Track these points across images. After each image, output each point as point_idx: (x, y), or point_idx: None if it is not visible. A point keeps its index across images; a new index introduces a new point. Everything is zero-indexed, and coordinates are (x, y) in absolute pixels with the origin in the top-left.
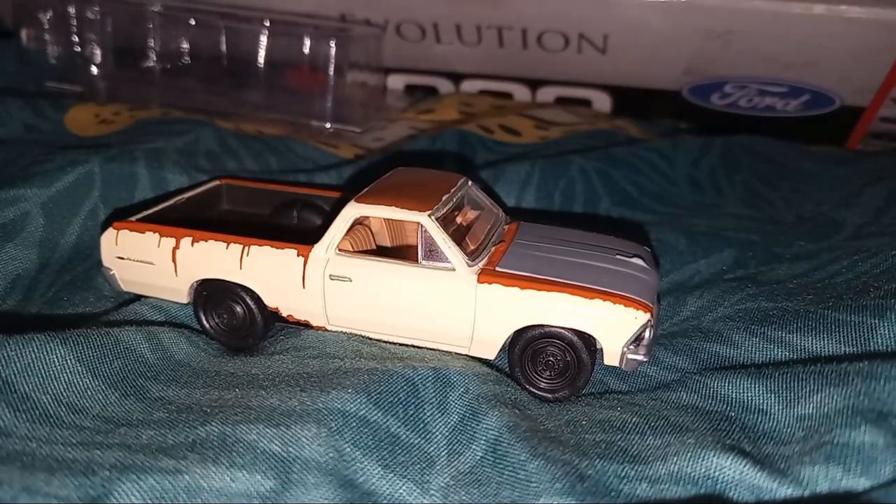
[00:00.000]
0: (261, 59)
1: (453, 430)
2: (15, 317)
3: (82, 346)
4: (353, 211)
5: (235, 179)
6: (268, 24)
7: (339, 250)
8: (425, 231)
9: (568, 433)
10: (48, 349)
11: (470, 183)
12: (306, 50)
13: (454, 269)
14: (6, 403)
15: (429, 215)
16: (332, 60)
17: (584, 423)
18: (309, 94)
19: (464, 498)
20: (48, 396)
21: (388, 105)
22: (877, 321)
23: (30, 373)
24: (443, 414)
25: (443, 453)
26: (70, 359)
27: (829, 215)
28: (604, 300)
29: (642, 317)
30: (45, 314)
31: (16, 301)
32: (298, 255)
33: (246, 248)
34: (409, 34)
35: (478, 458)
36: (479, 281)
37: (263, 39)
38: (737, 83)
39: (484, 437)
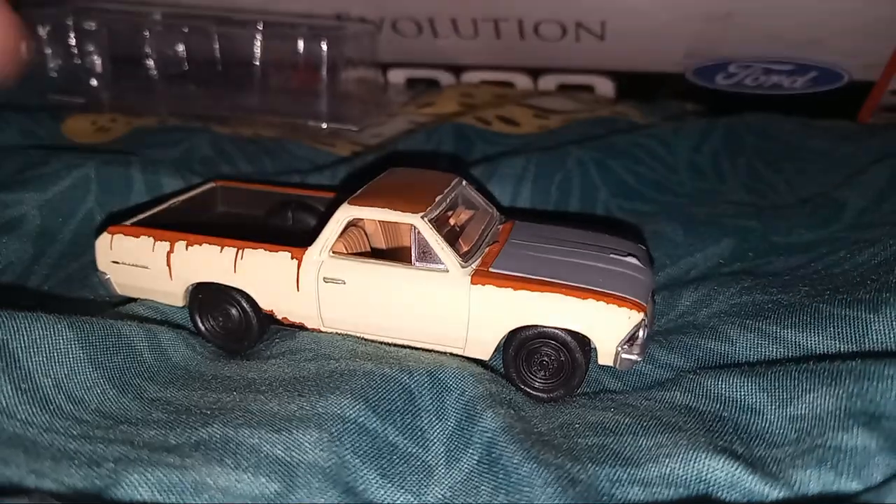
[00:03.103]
0: (256, 61)
1: (450, 436)
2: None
3: (87, 333)
4: (345, 213)
5: (230, 181)
6: (261, 26)
7: (333, 252)
8: (418, 233)
9: (561, 437)
10: (56, 330)
11: (464, 182)
12: (300, 50)
13: (447, 271)
14: (9, 378)
15: (422, 217)
16: (325, 59)
17: (577, 426)
18: (305, 95)
19: None
20: (49, 380)
21: (388, 100)
22: (871, 316)
23: (35, 350)
24: (440, 420)
25: (440, 462)
26: (75, 344)
27: (831, 196)
28: (597, 300)
29: (636, 316)
30: (43, 303)
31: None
32: (292, 258)
33: (240, 252)
34: (405, 30)
35: (474, 462)
36: (472, 282)
37: (257, 42)
38: (741, 63)
39: (479, 441)
